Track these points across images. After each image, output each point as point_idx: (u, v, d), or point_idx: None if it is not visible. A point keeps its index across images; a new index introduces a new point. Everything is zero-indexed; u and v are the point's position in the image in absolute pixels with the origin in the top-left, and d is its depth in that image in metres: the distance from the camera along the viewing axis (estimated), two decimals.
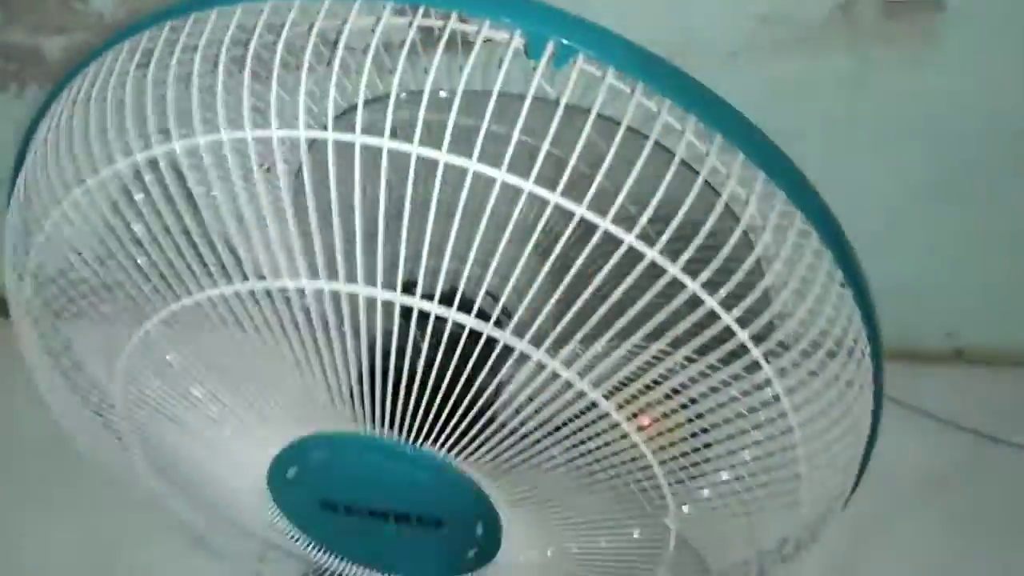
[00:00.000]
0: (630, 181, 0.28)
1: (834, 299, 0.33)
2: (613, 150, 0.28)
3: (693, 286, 0.29)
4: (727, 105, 0.30)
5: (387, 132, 0.27)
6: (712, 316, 0.29)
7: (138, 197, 0.33)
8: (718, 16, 0.72)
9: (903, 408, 0.98)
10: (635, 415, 0.37)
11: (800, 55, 0.75)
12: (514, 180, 0.27)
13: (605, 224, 0.27)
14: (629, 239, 0.27)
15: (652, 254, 0.28)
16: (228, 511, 0.47)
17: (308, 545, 0.54)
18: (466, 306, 0.31)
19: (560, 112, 0.27)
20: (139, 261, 0.34)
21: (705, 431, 0.35)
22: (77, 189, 0.35)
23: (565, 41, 0.27)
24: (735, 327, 0.30)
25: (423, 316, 0.32)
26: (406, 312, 0.32)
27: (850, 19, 0.74)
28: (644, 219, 0.28)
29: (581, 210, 0.27)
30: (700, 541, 0.42)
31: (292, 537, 0.52)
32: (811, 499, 0.42)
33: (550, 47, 0.27)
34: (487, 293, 0.32)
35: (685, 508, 0.38)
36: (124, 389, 0.40)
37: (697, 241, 0.28)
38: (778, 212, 0.30)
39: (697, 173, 0.29)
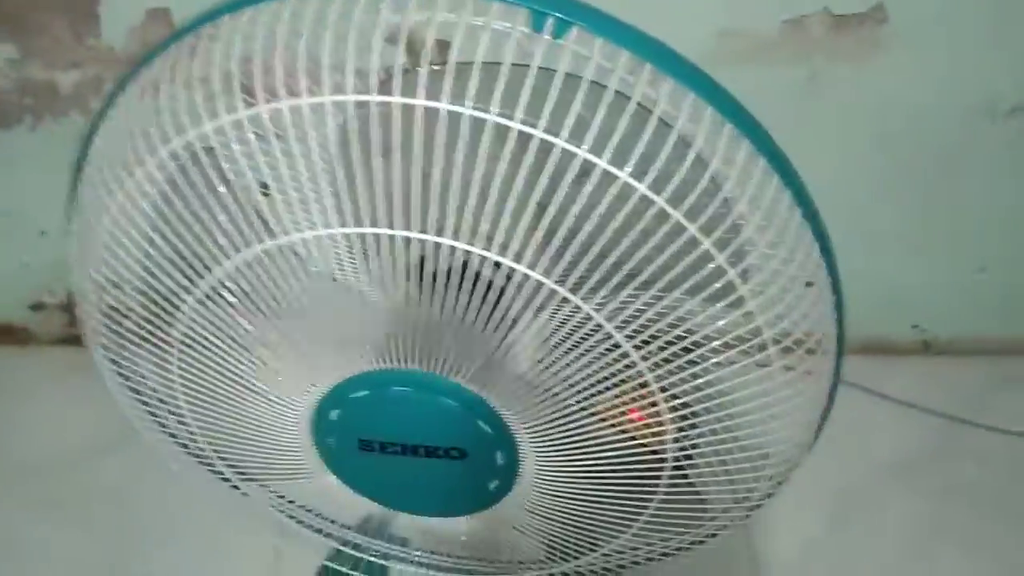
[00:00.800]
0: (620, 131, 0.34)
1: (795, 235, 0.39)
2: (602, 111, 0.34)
3: (678, 217, 0.34)
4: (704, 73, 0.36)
5: (421, 92, 0.32)
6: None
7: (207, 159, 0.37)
8: (678, 31, 0.78)
9: (874, 397, 1.03)
10: (625, 412, 0.42)
11: (755, 66, 0.81)
12: (528, 129, 0.33)
13: (603, 163, 0.33)
14: (623, 176, 0.33)
15: (642, 188, 0.34)
16: (274, 468, 0.51)
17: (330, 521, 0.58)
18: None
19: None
20: (194, 225, 0.39)
21: (696, 362, 0.40)
22: (138, 170, 0.40)
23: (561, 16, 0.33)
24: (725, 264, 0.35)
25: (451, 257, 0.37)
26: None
27: (801, 32, 0.80)
28: (631, 162, 0.34)
29: (583, 153, 0.33)
30: (697, 475, 0.47)
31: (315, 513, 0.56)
32: (784, 442, 0.46)
33: (550, 22, 0.33)
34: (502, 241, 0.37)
35: (683, 438, 0.43)
36: (180, 358, 0.45)
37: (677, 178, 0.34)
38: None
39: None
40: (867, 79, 0.83)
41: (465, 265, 0.38)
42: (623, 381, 0.39)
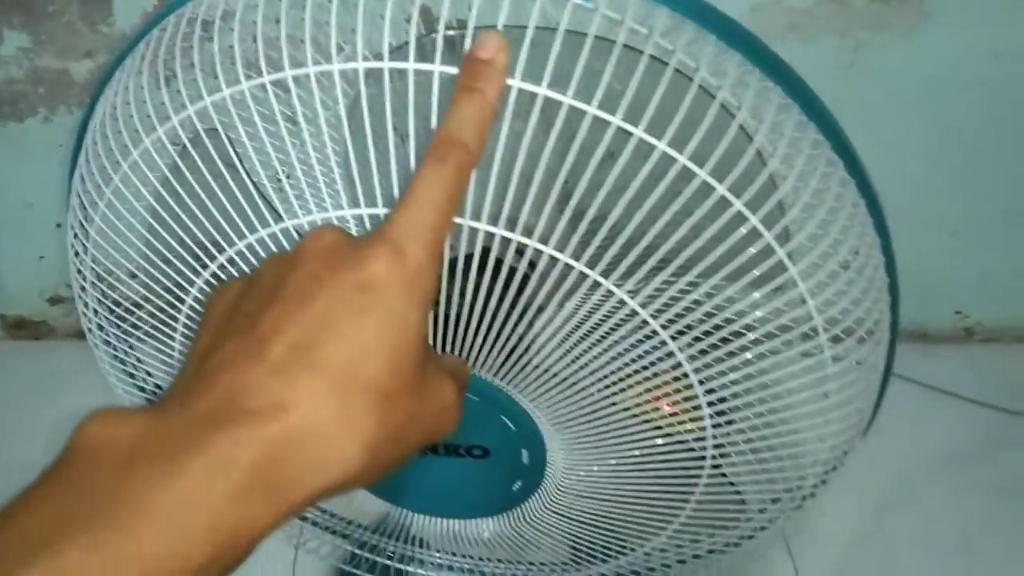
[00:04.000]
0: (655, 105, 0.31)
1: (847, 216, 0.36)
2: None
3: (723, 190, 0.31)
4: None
5: (438, 57, 0.29)
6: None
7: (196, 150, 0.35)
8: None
9: (914, 386, 1.00)
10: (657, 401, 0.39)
11: (792, 41, 0.78)
12: (558, 96, 0.30)
13: (639, 133, 0.30)
14: (661, 146, 0.30)
15: (682, 160, 0.30)
16: None
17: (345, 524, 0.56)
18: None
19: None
20: (196, 209, 0.36)
21: (748, 362, 0.37)
22: (135, 151, 0.37)
23: None
24: (772, 243, 0.32)
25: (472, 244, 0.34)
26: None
27: (842, 4, 0.77)
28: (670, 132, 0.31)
29: (616, 121, 0.30)
30: (735, 473, 0.44)
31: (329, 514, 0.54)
32: (834, 435, 0.43)
33: None
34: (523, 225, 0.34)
35: (722, 436, 0.40)
36: (181, 344, 0.42)
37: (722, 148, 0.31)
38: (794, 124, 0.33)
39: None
40: (912, 52, 0.79)
41: (486, 252, 0.36)
42: (659, 373, 0.36)
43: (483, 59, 0.29)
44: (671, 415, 0.39)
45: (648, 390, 0.38)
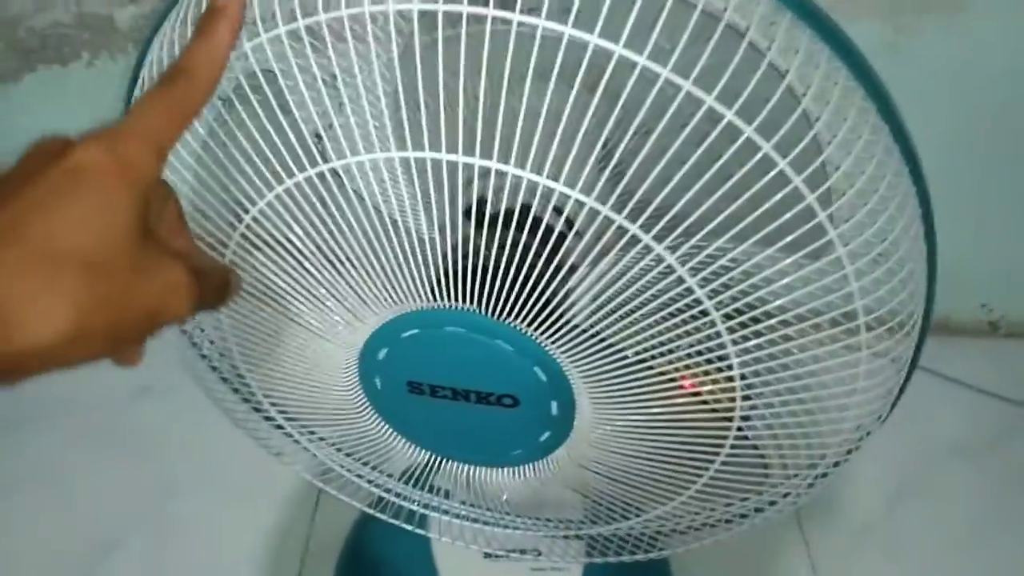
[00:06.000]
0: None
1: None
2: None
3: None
4: None
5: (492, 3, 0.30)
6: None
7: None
8: None
9: (938, 378, 0.99)
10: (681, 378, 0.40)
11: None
12: (607, 44, 0.30)
13: (708, 98, 0.30)
14: (729, 115, 0.30)
15: (749, 132, 0.31)
16: (320, 410, 0.50)
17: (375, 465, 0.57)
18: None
19: None
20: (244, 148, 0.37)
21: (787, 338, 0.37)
22: None
23: None
24: (815, 205, 0.32)
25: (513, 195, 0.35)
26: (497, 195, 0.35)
27: None
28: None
29: (666, 73, 0.30)
30: (760, 440, 0.44)
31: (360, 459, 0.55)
32: (860, 414, 0.43)
33: None
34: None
35: (750, 404, 0.41)
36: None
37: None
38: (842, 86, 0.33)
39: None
40: (951, 37, 0.79)
41: (526, 210, 0.36)
42: (695, 331, 0.36)
43: (218, 7, 0.32)
44: (702, 377, 0.40)
45: (680, 348, 0.38)
